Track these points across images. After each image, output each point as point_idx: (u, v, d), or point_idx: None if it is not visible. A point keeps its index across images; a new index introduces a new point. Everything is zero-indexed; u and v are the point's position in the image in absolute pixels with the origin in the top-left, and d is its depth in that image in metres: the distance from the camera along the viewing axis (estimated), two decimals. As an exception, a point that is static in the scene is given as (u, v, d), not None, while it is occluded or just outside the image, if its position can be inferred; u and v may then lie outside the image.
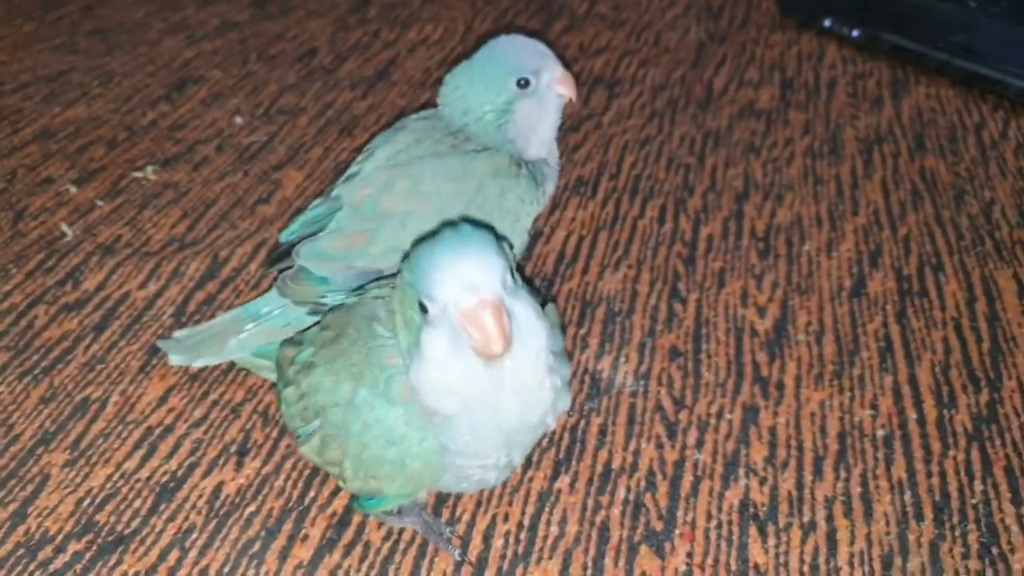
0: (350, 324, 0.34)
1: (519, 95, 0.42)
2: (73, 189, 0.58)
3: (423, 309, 0.30)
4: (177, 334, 0.44)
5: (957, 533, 0.38)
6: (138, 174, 0.59)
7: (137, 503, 0.38)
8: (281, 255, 0.42)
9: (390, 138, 0.43)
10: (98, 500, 0.38)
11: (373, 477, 0.33)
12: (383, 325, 0.33)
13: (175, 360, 0.43)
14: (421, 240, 0.34)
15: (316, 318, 0.40)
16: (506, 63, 0.42)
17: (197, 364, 0.43)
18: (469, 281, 0.28)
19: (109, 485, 0.39)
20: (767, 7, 0.86)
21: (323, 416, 0.33)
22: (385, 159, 0.42)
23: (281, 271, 0.42)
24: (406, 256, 0.33)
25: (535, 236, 0.55)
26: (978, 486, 0.40)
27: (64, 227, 0.54)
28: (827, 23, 0.79)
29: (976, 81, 0.70)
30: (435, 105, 0.44)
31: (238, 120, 0.66)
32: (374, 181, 0.41)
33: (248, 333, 0.42)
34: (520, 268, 0.41)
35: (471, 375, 0.30)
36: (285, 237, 0.42)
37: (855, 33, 0.77)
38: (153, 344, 0.46)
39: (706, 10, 0.85)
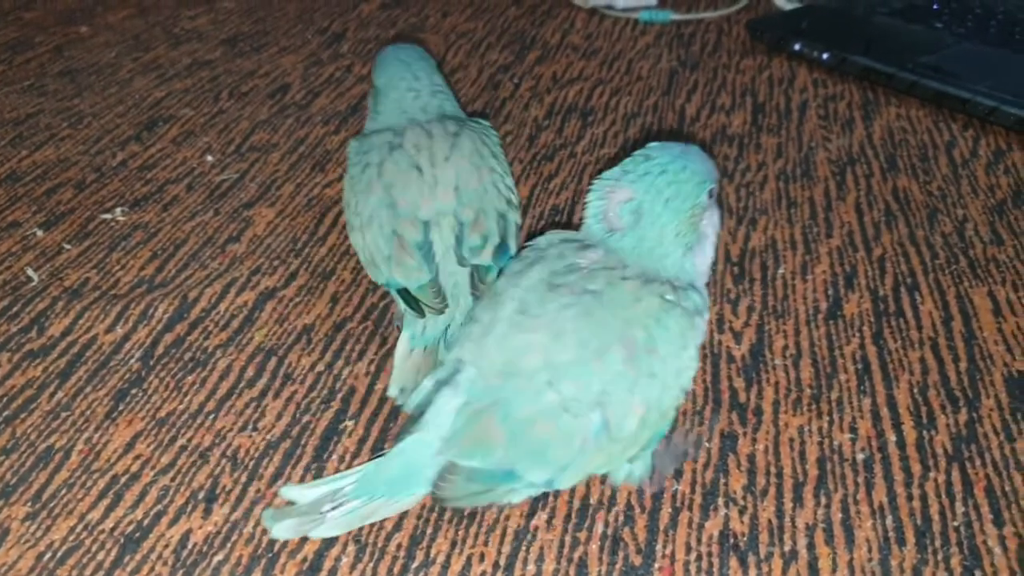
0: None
1: (709, 206, 0.39)
2: (40, 233, 0.57)
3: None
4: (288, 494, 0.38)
5: (940, 557, 0.37)
6: (107, 216, 0.59)
7: (100, 555, 0.37)
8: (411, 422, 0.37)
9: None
10: (60, 554, 0.37)
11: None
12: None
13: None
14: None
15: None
16: (700, 170, 0.38)
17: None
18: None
19: (72, 537, 0.38)
20: (737, 33, 0.86)
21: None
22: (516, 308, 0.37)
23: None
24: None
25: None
26: (959, 508, 0.39)
27: (30, 271, 0.53)
28: (797, 47, 0.79)
29: (945, 100, 0.71)
30: None
31: (209, 158, 0.65)
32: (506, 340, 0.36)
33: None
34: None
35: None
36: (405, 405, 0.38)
37: (825, 56, 0.77)
38: (120, 389, 0.45)
39: (677, 37, 0.86)
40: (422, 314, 0.44)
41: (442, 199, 0.45)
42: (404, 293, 0.45)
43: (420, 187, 0.46)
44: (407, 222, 0.45)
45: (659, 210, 0.37)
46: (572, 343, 0.35)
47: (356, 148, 0.49)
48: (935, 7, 0.83)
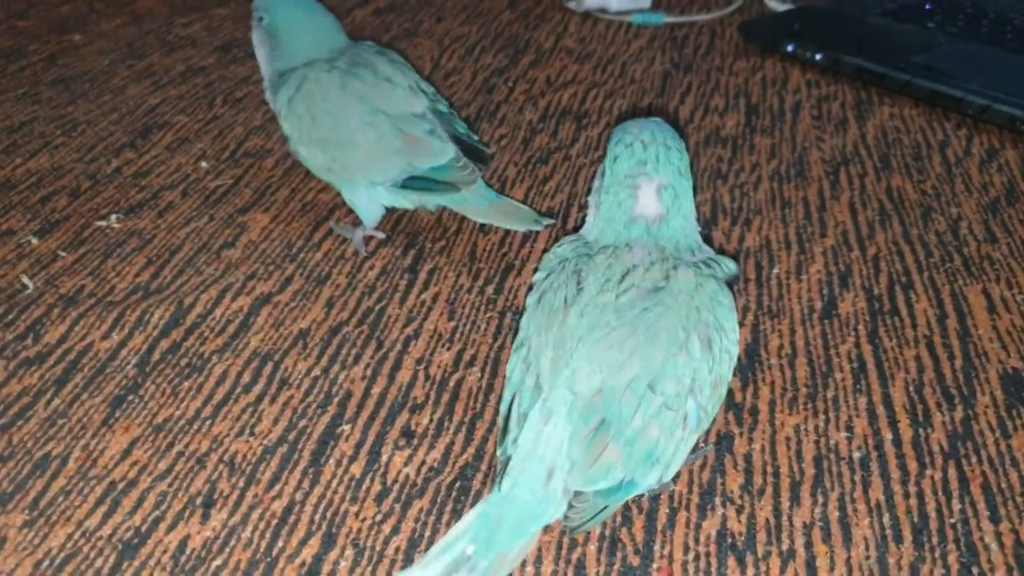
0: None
1: None
2: (35, 240, 0.57)
3: None
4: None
5: (937, 554, 0.37)
6: (102, 223, 0.59)
7: (99, 562, 0.37)
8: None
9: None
10: (58, 561, 0.37)
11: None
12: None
13: None
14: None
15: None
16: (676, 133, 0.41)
17: None
18: None
19: (70, 545, 0.38)
20: (730, 35, 0.87)
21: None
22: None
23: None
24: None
25: (507, 268, 0.54)
26: (956, 505, 0.39)
27: (25, 279, 0.53)
28: (790, 48, 0.80)
29: (938, 100, 0.71)
30: None
31: (203, 164, 0.65)
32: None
33: None
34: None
35: None
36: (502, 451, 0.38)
37: (818, 57, 0.78)
38: (116, 395, 0.45)
39: (670, 40, 0.86)
40: (456, 189, 0.54)
41: (419, 100, 0.55)
42: (419, 180, 0.54)
43: (394, 93, 0.55)
44: (405, 119, 0.54)
45: (684, 183, 0.39)
46: (661, 343, 0.36)
47: (299, 77, 0.56)
48: (927, 7, 0.83)
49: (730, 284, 0.40)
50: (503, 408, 0.37)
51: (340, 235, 0.57)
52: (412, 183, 0.54)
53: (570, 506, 0.35)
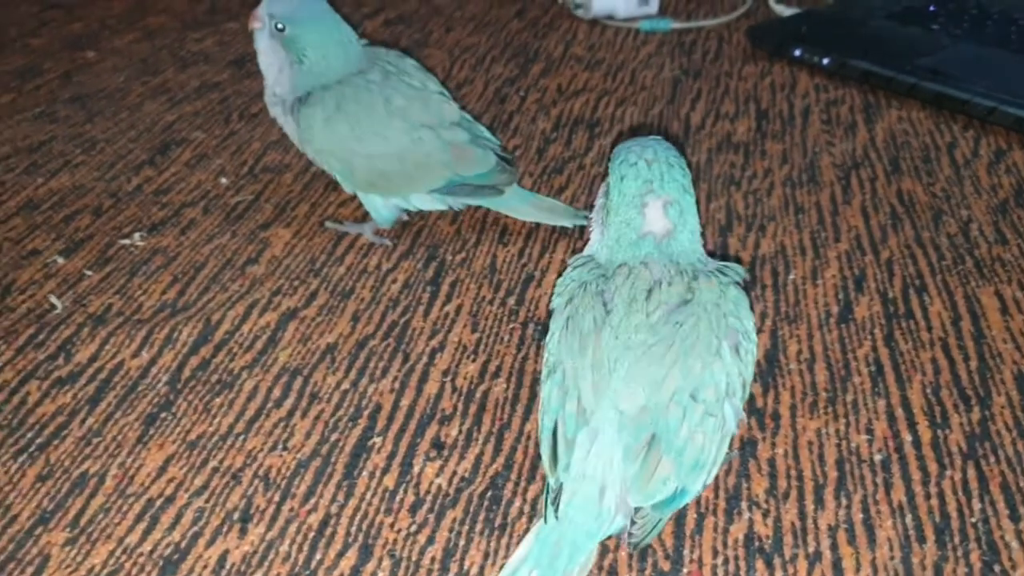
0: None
1: None
2: (60, 260, 0.58)
3: None
4: None
5: (959, 553, 0.38)
6: (126, 241, 0.60)
7: (142, 577, 0.38)
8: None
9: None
10: (102, 576, 0.38)
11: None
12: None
13: None
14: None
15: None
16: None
17: None
18: None
19: (112, 561, 0.39)
20: (738, 40, 0.88)
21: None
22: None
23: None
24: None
25: (527, 279, 0.55)
26: (976, 504, 0.40)
27: (53, 299, 0.54)
28: (797, 53, 0.80)
29: (945, 102, 0.72)
30: None
31: (223, 181, 0.66)
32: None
33: None
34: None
35: None
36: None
37: (825, 61, 0.79)
38: (150, 413, 0.46)
39: (679, 46, 0.87)
40: (500, 192, 0.57)
41: (452, 106, 0.57)
42: (463, 187, 0.57)
43: (430, 103, 0.57)
44: (446, 129, 0.56)
45: (688, 199, 0.40)
46: (698, 353, 0.37)
47: (336, 95, 0.56)
48: (931, 8, 0.84)
49: (744, 287, 0.41)
50: (545, 435, 0.38)
51: (362, 245, 0.58)
52: (455, 190, 0.57)
53: (632, 523, 0.36)
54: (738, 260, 0.56)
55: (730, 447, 0.43)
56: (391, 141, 0.55)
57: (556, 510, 0.36)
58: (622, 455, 0.36)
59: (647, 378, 0.36)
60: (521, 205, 0.59)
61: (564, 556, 0.36)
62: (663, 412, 0.36)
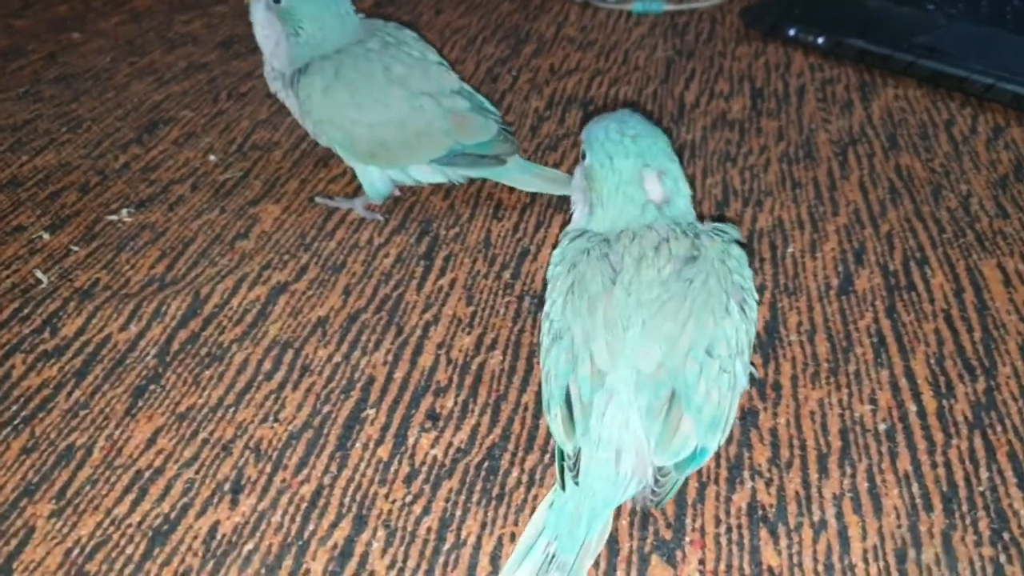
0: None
1: None
2: (46, 236, 0.57)
3: None
4: None
5: (968, 521, 0.37)
6: (113, 217, 0.58)
7: (130, 549, 0.37)
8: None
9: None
10: (88, 549, 0.37)
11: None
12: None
13: None
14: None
15: None
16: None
17: None
18: None
19: (99, 533, 0.37)
20: (731, 21, 0.87)
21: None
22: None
23: None
24: None
25: (523, 253, 0.54)
26: (984, 473, 0.39)
27: (39, 274, 0.53)
28: (792, 32, 0.80)
29: (942, 80, 0.71)
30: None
31: (212, 158, 0.65)
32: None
33: None
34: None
35: None
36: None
37: (820, 40, 0.78)
38: (138, 386, 0.45)
39: (672, 28, 0.86)
40: (502, 162, 0.56)
41: (452, 75, 0.57)
42: (464, 156, 0.56)
43: (430, 72, 0.56)
44: (447, 97, 0.55)
45: (676, 166, 0.40)
46: (711, 308, 0.36)
47: (334, 64, 0.55)
48: (926, -11, 0.84)
49: (742, 245, 0.41)
50: (556, 403, 0.36)
51: (353, 220, 0.57)
52: (456, 160, 0.56)
53: (656, 481, 0.35)
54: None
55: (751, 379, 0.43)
56: (391, 109, 0.54)
57: (576, 477, 0.35)
58: (644, 414, 0.35)
59: (663, 334, 0.36)
60: (523, 175, 0.58)
61: (583, 525, 0.35)
62: (680, 368, 0.35)
